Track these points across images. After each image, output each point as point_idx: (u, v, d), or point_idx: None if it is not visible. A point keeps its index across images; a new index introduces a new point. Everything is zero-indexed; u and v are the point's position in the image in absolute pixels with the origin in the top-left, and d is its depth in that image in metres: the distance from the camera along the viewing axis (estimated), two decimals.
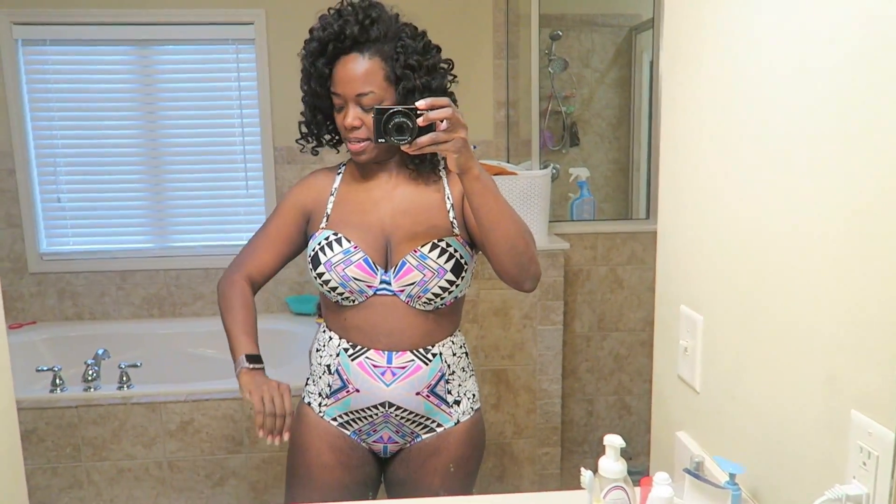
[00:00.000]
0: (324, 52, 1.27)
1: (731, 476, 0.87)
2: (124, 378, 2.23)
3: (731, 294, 0.95)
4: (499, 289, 2.29)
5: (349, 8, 1.27)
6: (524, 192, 2.35)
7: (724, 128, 0.95)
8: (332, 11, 1.28)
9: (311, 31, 1.30)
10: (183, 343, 2.75)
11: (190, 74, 2.76)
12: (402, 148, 1.12)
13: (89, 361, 2.25)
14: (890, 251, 0.64)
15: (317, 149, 1.40)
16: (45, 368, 2.25)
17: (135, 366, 2.27)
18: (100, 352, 2.32)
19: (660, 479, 0.92)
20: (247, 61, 2.75)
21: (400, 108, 1.10)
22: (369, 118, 1.25)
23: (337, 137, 1.39)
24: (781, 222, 0.82)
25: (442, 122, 1.08)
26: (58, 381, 2.20)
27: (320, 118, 1.36)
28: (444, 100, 1.09)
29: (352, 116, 1.26)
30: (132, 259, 2.81)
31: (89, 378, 2.22)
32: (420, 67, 1.26)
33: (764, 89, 0.85)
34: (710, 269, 1.01)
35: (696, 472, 0.86)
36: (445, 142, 1.09)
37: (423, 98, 1.11)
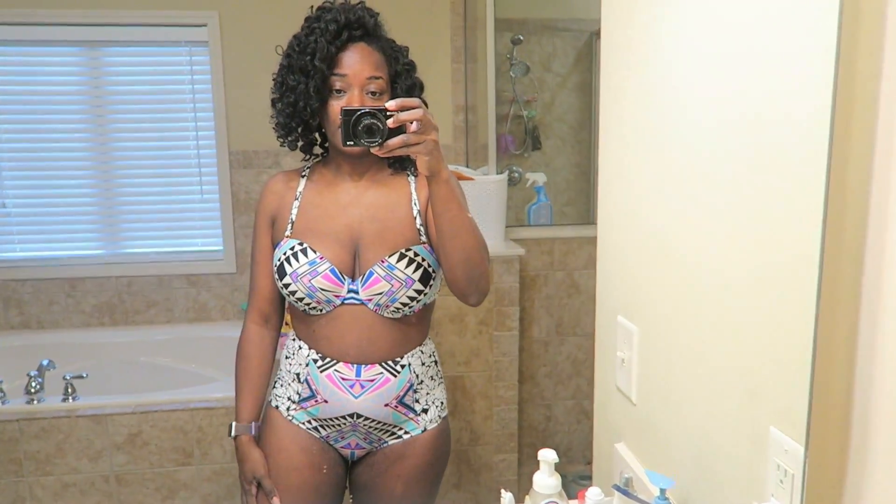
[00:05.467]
0: (339, 35, 1.24)
1: (662, 491, 0.86)
2: (69, 389, 2.16)
3: (664, 307, 0.95)
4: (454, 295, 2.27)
5: (351, 4, 1.27)
6: (480, 197, 2.34)
7: (651, 144, 0.95)
8: (336, 3, 1.27)
9: (317, 16, 1.25)
10: (135, 352, 2.67)
11: (142, 77, 2.69)
12: (372, 150, 1.07)
13: (32, 373, 2.17)
14: (803, 275, 0.64)
15: (299, 142, 1.33)
16: None
17: (80, 377, 2.20)
18: (44, 363, 2.25)
19: (592, 494, 0.92)
20: (200, 63, 2.69)
21: (369, 108, 1.06)
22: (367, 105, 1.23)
23: (311, 137, 1.35)
24: (706, 240, 0.82)
25: (412, 123, 1.05)
26: None
27: (316, 106, 1.25)
28: (415, 100, 1.07)
29: (358, 100, 1.23)
30: (82, 266, 2.72)
31: (32, 390, 2.15)
32: (413, 68, 1.30)
33: (685, 108, 0.84)
34: (645, 281, 1.00)
35: (626, 489, 0.86)
36: (416, 144, 1.06)
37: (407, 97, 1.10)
